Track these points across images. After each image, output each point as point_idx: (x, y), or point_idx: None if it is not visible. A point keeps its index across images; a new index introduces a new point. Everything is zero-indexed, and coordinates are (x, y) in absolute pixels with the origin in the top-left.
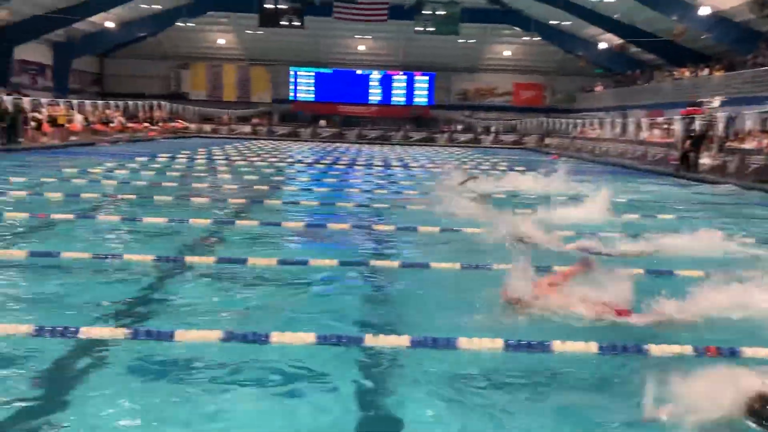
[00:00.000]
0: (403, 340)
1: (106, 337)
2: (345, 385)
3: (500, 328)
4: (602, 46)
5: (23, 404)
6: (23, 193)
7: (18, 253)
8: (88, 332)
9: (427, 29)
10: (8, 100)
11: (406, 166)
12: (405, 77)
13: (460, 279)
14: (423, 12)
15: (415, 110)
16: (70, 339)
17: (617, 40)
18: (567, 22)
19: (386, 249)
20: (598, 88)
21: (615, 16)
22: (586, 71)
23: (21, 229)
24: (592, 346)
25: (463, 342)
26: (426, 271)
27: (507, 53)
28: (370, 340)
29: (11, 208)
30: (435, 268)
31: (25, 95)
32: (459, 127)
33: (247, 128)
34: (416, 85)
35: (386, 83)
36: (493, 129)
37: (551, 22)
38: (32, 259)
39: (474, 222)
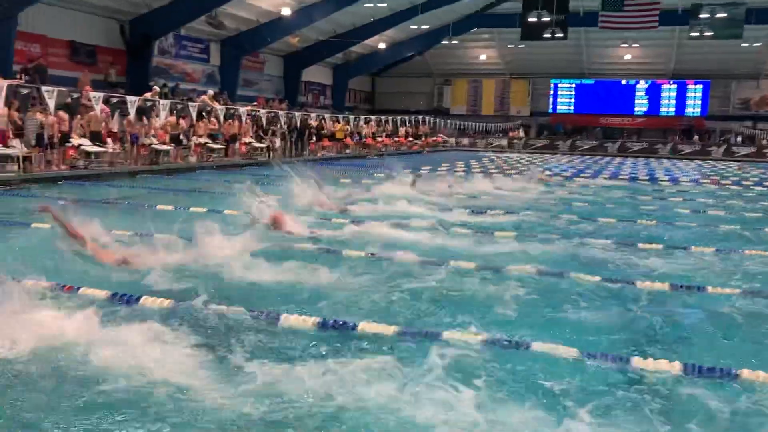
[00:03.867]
0: None
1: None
2: None
3: None
4: None
5: None
6: None
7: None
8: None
9: (704, 34)
10: (297, 116)
11: (675, 181)
12: (675, 86)
13: None
14: (700, 16)
15: (687, 121)
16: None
17: None
18: None
19: None
20: None
21: None
22: None
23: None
24: None
25: None
26: None
27: None
28: None
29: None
30: None
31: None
32: (739, 139)
33: (504, 141)
34: (688, 94)
35: (654, 93)
36: None
37: None
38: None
39: None
